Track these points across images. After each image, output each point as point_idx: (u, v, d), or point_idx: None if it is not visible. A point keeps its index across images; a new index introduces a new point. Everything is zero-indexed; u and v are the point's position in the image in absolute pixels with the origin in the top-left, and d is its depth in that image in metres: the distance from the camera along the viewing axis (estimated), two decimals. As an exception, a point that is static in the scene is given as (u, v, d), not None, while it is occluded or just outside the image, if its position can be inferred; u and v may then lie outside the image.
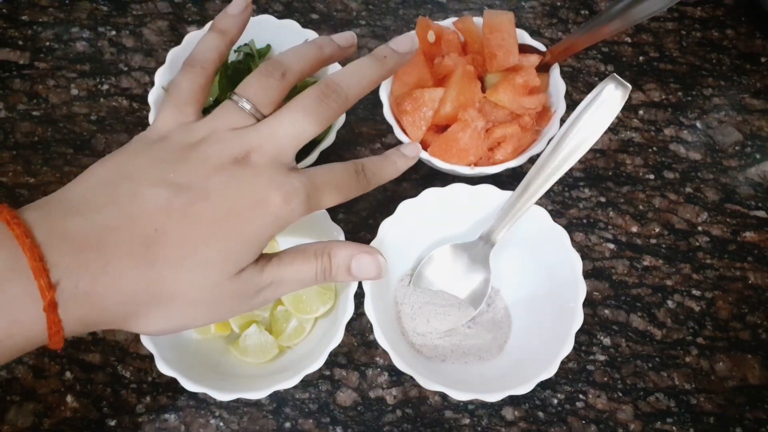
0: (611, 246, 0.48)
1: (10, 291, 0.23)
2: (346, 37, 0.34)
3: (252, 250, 0.29)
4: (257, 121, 0.30)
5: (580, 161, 0.51)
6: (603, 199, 0.50)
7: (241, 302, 0.30)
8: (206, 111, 0.46)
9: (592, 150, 0.51)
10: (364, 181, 0.33)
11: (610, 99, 0.37)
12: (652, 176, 0.51)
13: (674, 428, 0.43)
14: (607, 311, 0.46)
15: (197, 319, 0.29)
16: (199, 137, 0.29)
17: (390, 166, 0.35)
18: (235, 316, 0.31)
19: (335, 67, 0.47)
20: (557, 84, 0.46)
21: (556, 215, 0.48)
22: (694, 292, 0.47)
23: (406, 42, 0.34)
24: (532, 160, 0.41)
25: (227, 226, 0.28)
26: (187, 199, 0.27)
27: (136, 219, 0.26)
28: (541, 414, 0.43)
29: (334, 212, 0.48)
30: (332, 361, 0.44)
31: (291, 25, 0.48)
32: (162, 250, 0.26)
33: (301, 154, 0.46)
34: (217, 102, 0.46)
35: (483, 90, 0.45)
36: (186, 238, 0.27)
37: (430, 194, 0.41)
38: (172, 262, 0.26)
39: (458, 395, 0.36)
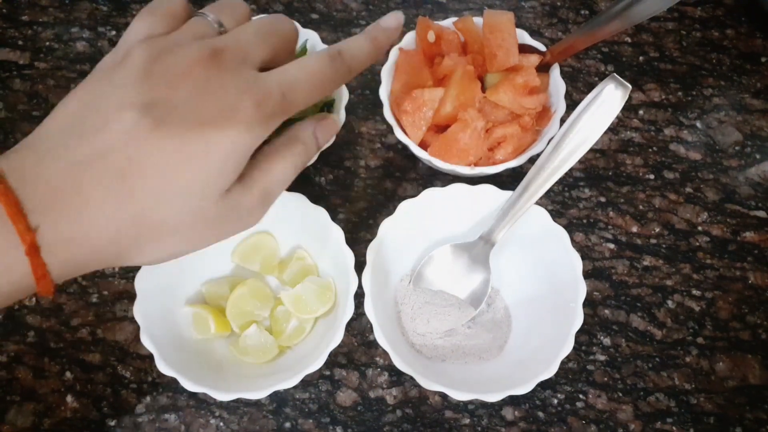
0: (611, 246, 0.48)
1: None
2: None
3: (231, 168, 0.27)
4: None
5: (580, 161, 0.50)
6: (603, 199, 0.50)
7: (237, 223, 0.29)
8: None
9: (592, 150, 0.51)
10: (342, 67, 0.30)
11: (610, 99, 0.37)
12: (652, 176, 0.51)
13: (674, 428, 0.43)
14: (607, 311, 0.46)
15: (193, 245, 0.28)
16: (161, 48, 0.27)
17: (369, 43, 0.32)
18: (237, 234, 0.30)
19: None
20: (557, 84, 0.46)
21: (556, 215, 0.48)
22: (694, 292, 0.47)
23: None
24: (532, 160, 0.41)
25: (200, 145, 0.26)
26: (155, 118, 0.25)
27: (107, 151, 0.25)
28: (541, 414, 0.43)
29: (334, 212, 0.48)
30: (332, 361, 0.44)
31: (291, 25, 0.48)
32: (138, 181, 0.25)
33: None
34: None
35: (483, 90, 0.45)
36: (161, 163, 0.25)
37: (430, 194, 0.41)
38: (151, 193, 0.25)
39: (458, 395, 0.36)
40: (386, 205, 0.49)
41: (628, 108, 0.53)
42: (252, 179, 0.29)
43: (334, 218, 0.41)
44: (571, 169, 0.49)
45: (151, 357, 0.37)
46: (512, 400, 0.43)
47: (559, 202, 0.49)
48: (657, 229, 0.49)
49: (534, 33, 0.55)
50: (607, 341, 0.45)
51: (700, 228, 0.49)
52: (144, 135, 0.25)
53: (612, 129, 0.52)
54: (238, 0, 0.31)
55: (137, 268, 0.39)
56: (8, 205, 0.23)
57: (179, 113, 0.26)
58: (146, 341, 0.37)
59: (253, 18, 0.31)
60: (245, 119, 0.27)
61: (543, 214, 0.41)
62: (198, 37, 0.28)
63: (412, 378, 0.36)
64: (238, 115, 0.26)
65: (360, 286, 0.39)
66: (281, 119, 0.28)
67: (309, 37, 0.47)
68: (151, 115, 0.25)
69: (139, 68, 0.27)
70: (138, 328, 0.38)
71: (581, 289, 0.39)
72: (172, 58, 0.27)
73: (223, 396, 0.36)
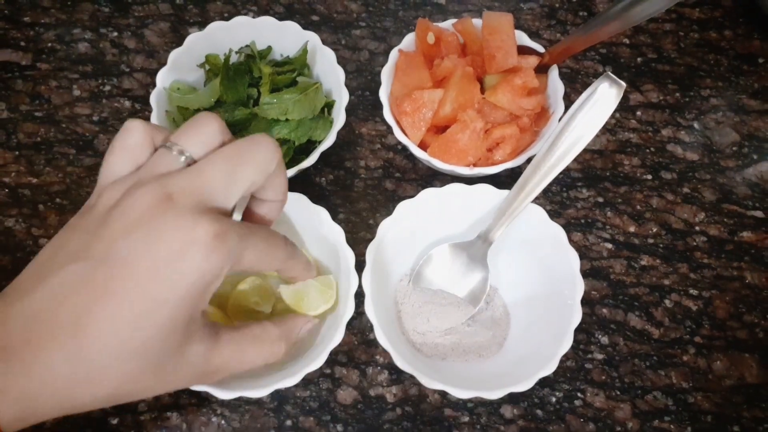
0: (609, 246, 0.48)
1: None
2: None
3: (182, 326, 0.27)
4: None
5: (578, 161, 0.51)
6: (601, 200, 0.50)
7: (191, 379, 0.29)
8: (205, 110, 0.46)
9: (590, 150, 0.51)
10: (291, 248, 0.33)
11: (604, 97, 0.38)
12: (649, 176, 0.51)
13: (672, 427, 0.43)
14: (605, 310, 0.46)
15: (145, 393, 0.28)
16: (123, 190, 0.27)
17: (301, 266, 0.35)
18: (192, 385, 0.32)
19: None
20: (556, 85, 0.46)
21: (554, 215, 0.48)
22: (692, 291, 0.47)
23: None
24: (531, 161, 0.42)
25: (152, 304, 0.26)
26: (106, 272, 0.25)
27: (61, 304, 0.25)
28: (539, 412, 0.43)
29: (334, 212, 0.48)
30: (333, 359, 0.44)
31: (291, 26, 0.48)
32: (91, 337, 0.25)
33: (301, 154, 0.46)
34: (218, 103, 0.46)
35: (482, 91, 0.45)
36: (114, 320, 0.25)
37: (429, 194, 0.42)
38: (104, 351, 0.25)
39: (458, 393, 0.36)
40: (386, 205, 0.49)
41: (626, 109, 0.54)
42: (217, 348, 0.30)
43: (334, 218, 0.41)
44: (568, 170, 0.50)
45: (153, 355, 0.38)
46: (511, 398, 0.43)
47: (557, 202, 0.50)
48: (654, 229, 0.49)
49: (533, 34, 0.56)
50: (605, 340, 0.45)
51: (697, 228, 0.49)
52: (97, 288, 0.25)
53: (609, 129, 0.53)
54: (208, 119, 0.29)
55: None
56: None
57: (130, 266, 0.25)
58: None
59: (227, 144, 0.29)
60: (197, 266, 0.26)
61: (540, 213, 0.41)
62: (159, 175, 0.27)
63: (411, 376, 0.37)
64: (189, 261, 0.26)
65: (360, 286, 0.39)
66: (232, 267, 0.28)
67: (310, 38, 0.48)
68: (103, 269, 0.25)
69: (102, 213, 0.27)
70: (140, 326, 0.38)
71: (579, 286, 0.39)
72: (129, 201, 0.27)
73: (224, 394, 0.36)
